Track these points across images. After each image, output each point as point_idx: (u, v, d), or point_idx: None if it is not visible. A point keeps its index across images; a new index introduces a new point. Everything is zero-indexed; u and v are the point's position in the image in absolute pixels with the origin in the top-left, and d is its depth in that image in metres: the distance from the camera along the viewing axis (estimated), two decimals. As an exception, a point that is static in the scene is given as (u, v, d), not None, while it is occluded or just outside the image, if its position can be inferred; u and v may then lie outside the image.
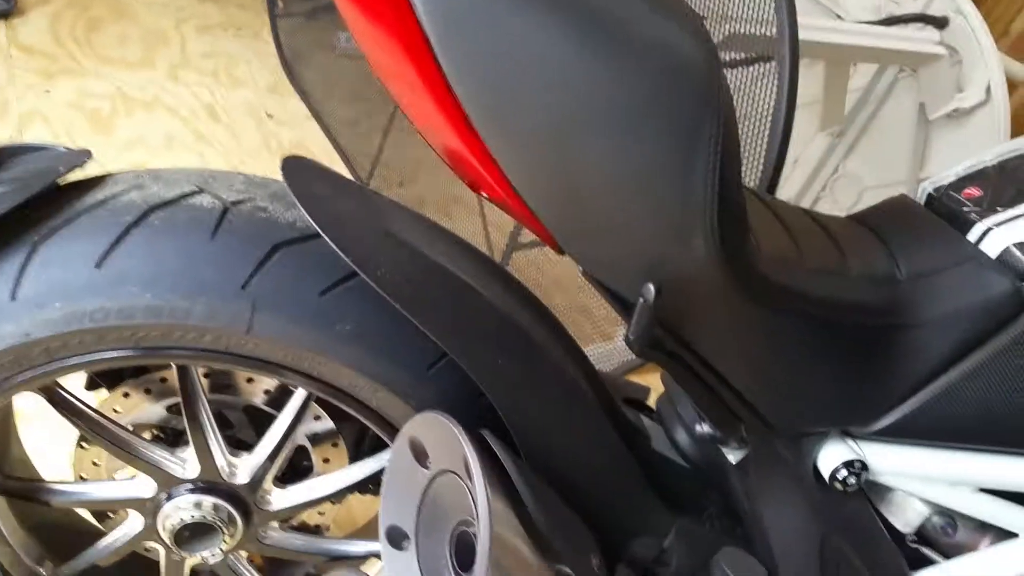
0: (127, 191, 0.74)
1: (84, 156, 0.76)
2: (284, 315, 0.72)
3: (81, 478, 0.94)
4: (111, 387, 0.89)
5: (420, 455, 0.75)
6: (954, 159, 1.00)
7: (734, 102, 0.70)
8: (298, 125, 2.55)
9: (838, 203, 2.22)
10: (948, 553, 0.92)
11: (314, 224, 0.70)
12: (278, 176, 0.76)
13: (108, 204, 0.72)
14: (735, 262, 0.68)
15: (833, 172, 2.17)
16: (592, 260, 0.73)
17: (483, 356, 0.75)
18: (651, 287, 0.68)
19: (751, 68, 1.24)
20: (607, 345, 1.92)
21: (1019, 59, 1.97)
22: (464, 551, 0.75)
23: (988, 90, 1.74)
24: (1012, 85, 1.80)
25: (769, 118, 1.19)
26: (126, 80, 2.43)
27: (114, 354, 0.73)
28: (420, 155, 2.33)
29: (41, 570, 0.96)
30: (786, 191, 2.29)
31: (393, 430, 0.82)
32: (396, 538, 0.76)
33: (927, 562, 0.92)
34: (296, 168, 0.76)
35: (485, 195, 0.70)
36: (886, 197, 0.96)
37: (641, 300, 0.69)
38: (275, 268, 0.72)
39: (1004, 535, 0.90)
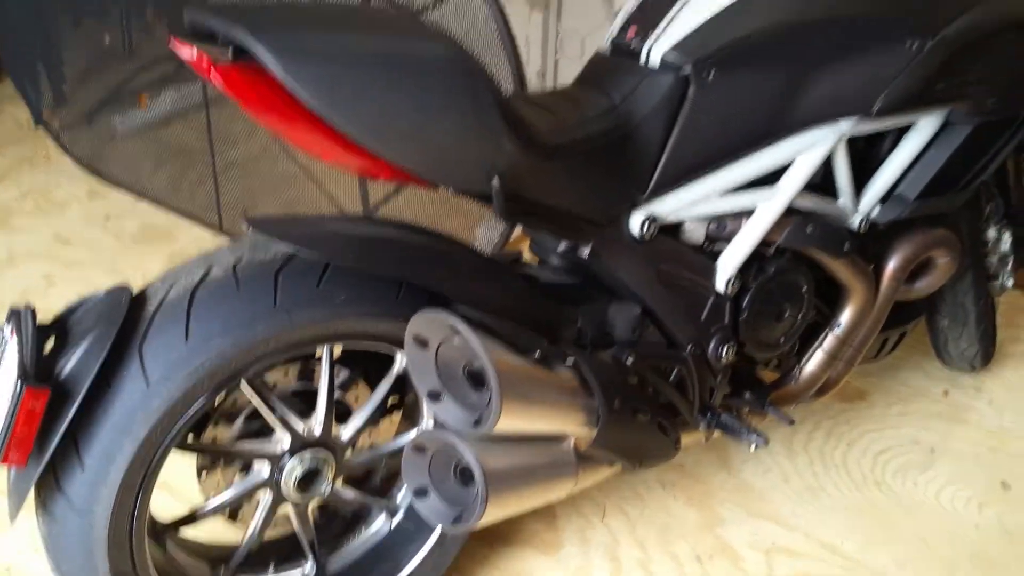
0: (168, 290, 1.12)
1: (125, 289, 1.13)
2: (306, 307, 1.15)
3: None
4: (200, 432, 1.28)
5: (422, 343, 1.21)
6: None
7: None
8: (134, 211, 2.79)
9: (567, 55, 2.76)
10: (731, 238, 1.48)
11: (293, 245, 1.12)
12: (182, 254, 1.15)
13: (164, 304, 1.11)
14: (527, 144, 1.17)
15: (556, 35, 2.70)
16: (456, 183, 1.19)
17: (421, 270, 1.21)
18: (496, 180, 1.16)
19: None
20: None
21: None
22: (479, 379, 1.22)
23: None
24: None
25: (498, 39, 1.67)
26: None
27: (224, 388, 1.14)
28: (250, 184, 2.65)
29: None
30: (533, 67, 2.82)
31: (395, 344, 1.27)
32: (435, 396, 1.22)
33: (719, 252, 1.47)
34: (256, 221, 1.16)
35: (383, 179, 1.14)
36: (598, 44, 1.46)
37: (494, 189, 1.16)
38: (283, 285, 1.14)
39: (751, 213, 1.46)
